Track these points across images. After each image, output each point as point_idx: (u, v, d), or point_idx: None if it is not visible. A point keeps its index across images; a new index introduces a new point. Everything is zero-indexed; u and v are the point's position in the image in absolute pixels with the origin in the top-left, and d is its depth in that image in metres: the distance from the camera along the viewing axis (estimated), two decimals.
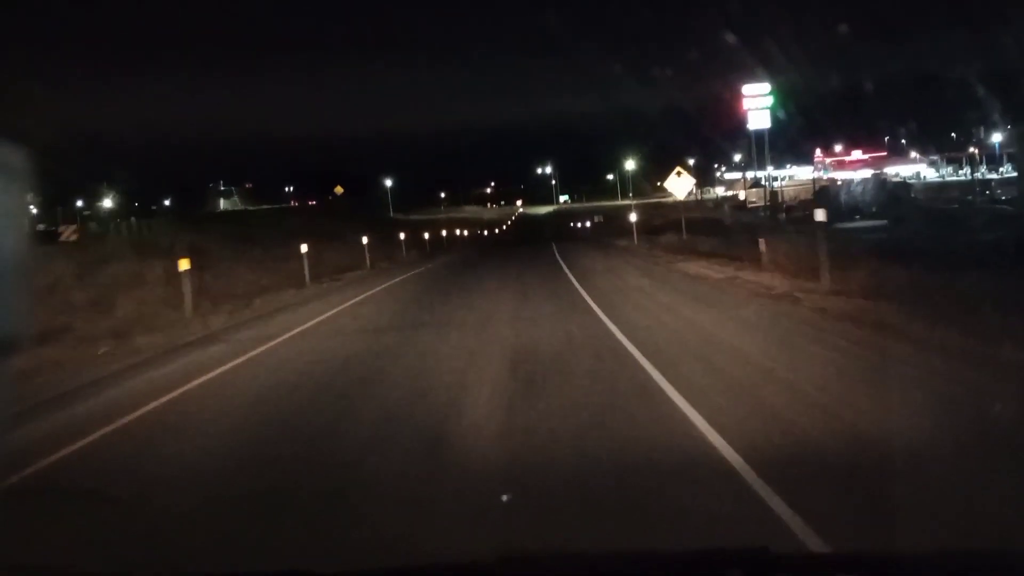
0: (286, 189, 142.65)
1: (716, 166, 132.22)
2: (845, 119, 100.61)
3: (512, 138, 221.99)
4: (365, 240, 27.29)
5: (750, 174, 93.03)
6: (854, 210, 36.36)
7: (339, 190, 48.70)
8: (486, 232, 67.51)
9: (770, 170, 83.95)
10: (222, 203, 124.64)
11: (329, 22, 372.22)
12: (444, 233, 44.38)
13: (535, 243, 38.70)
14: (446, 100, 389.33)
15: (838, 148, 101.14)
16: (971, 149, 75.07)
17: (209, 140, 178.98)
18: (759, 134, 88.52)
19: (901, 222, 27.92)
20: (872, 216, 35.61)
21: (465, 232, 50.73)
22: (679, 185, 27.01)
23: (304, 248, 21.49)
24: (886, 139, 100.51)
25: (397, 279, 21.94)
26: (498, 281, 17.86)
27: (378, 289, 18.91)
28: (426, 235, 38.91)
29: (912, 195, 40.53)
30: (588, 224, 65.37)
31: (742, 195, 65.24)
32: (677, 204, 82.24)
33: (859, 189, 37.96)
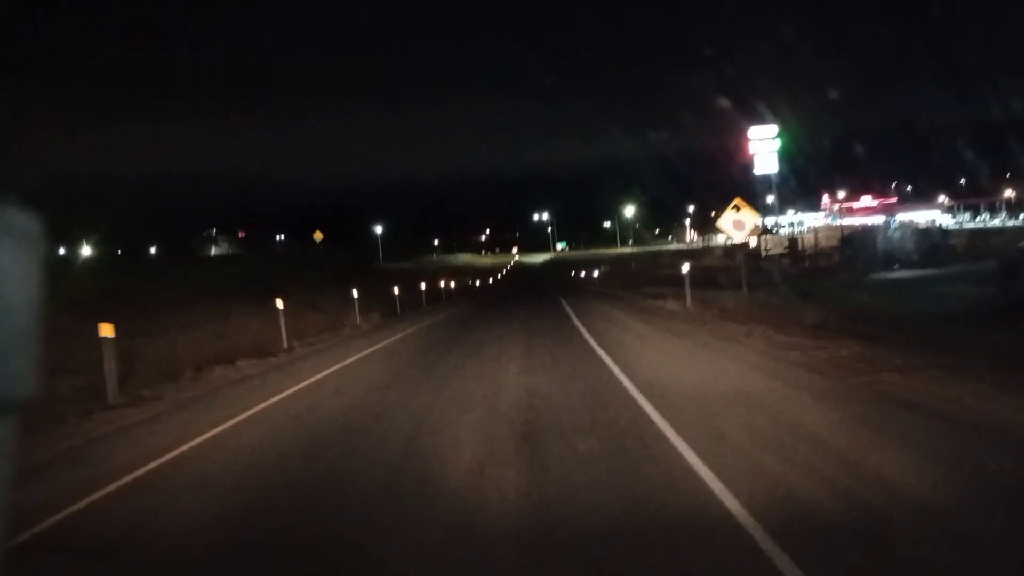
0: (277, 238, 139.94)
1: (712, 214, 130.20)
2: (849, 166, 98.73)
3: (508, 185, 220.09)
4: (356, 294, 23.72)
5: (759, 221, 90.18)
6: (891, 259, 32.89)
7: (319, 236, 44.53)
8: (478, 282, 61.20)
9: (778, 217, 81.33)
10: (213, 249, 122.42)
11: (323, 68, 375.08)
12: (435, 283, 41.00)
13: (539, 299, 33.27)
14: (441, 147, 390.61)
15: (841, 194, 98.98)
16: (1007, 192, 72.36)
17: (201, 188, 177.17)
18: (765, 179, 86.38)
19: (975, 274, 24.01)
20: (914, 265, 32.09)
21: (452, 283, 46.55)
22: (738, 224, 18.67)
23: (280, 304, 17.74)
24: (893, 185, 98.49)
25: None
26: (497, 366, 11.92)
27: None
28: (422, 285, 35.52)
29: (951, 242, 37.10)
30: (595, 273, 58.96)
31: (753, 242, 61.85)
32: (682, 252, 78.60)
33: (897, 235, 34.37)
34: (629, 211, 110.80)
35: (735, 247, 70.50)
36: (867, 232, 42.16)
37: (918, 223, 42.32)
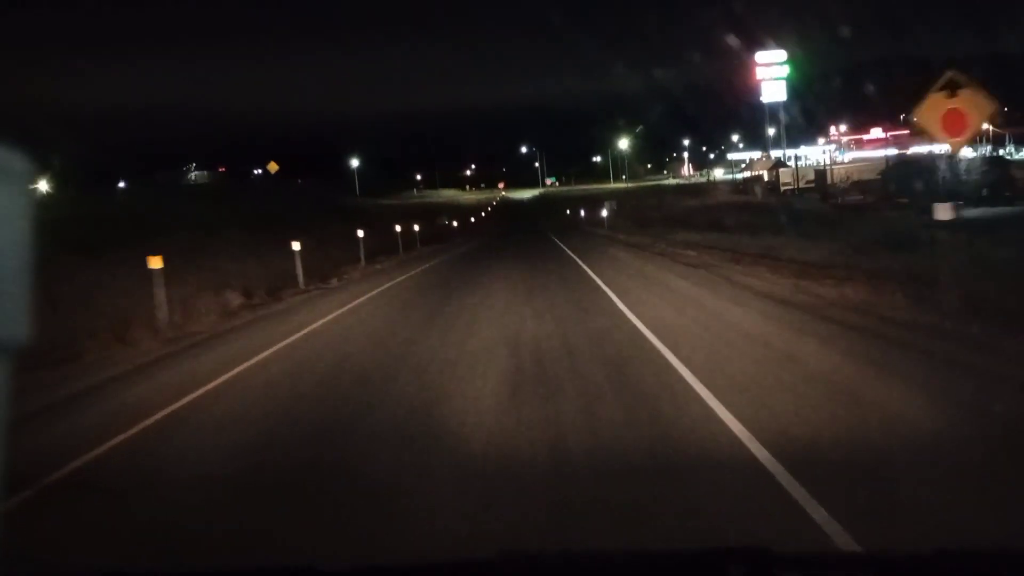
0: (255, 172, 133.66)
1: (707, 149, 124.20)
2: (856, 100, 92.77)
3: (496, 120, 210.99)
4: (297, 247, 17.87)
5: (760, 153, 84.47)
6: (954, 194, 27.49)
7: (273, 167, 37.91)
8: (458, 223, 50.38)
9: (786, 150, 75.52)
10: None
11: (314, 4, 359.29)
12: (409, 227, 35.37)
13: (535, 253, 23.71)
14: (426, 79, 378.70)
15: (843, 127, 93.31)
16: None
17: (183, 122, 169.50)
18: (773, 108, 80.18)
19: None
20: (982, 202, 26.87)
21: (446, 221, 40.24)
22: (954, 118, 8.54)
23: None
24: (902, 117, 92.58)
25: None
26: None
27: None
28: (397, 227, 29.42)
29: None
30: (604, 213, 40.34)
31: (765, 175, 56.38)
32: (685, 188, 72.84)
33: (962, 166, 28.88)
34: (623, 144, 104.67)
35: (750, 181, 64.85)
36: (916, 162, 36.53)
37: (983, 152, 36.64)
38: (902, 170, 35.16)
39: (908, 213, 27.89)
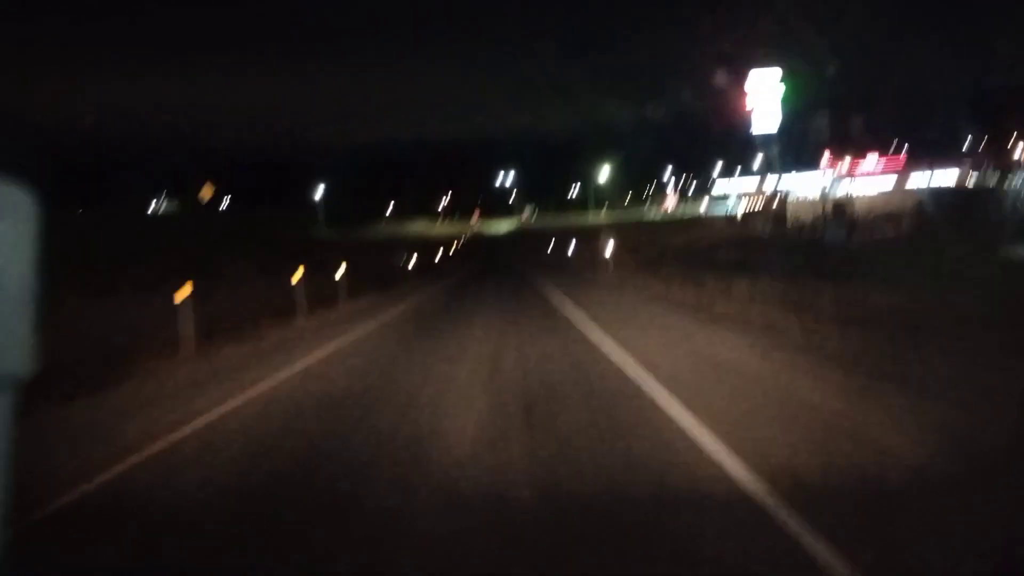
0: (224, 199, 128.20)
1: (692, 180, 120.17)
2: (846, 129, 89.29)
3: (471, 150, 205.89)
4: (181, 298, 12.09)
5: (749, 184, 79.94)
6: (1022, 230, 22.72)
7: (207, 193, 31.85)
8: (418, 262, 40.44)
9: (781, 176, 71.01)
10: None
11: (277, 20, 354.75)
12: (363, 263, 29.12)
13: (527, 338, 12.08)
14: (401, 108, 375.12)
15: (827, 155, 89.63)
16: None
17: (145, 147, 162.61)
18: (766, 136, 75.78)
19: None
20: None
21: (402, 262, 33.29)
22: None
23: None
24: (895, 144, 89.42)
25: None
26: None
27: None
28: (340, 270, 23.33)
29: None
30: (607, 253, 29.78)
31: (762, 206, 51.64)
32: (674, 223, 67.94)
33: None
34: (603, 176, 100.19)
35: (750, 214, 59.74)
36: (959, 193, 31.68)
37: None
38: (940, 203, 30.27)
39: (961, 250, 23.03)
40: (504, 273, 35.07)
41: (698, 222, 62.77)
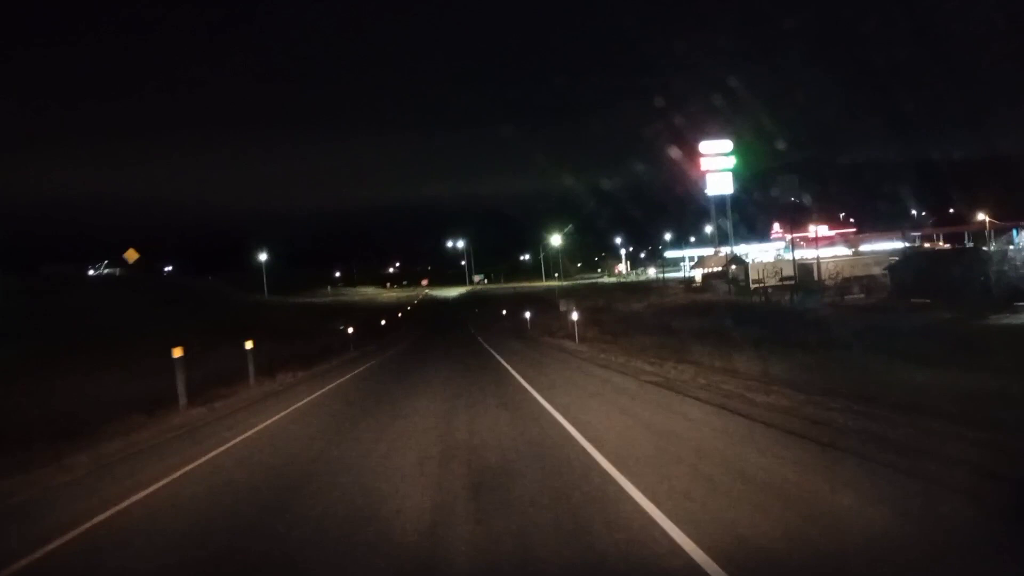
0: (165, 270, 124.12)
1: (644, 246, 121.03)
2: (791, 201, 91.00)
3: (420, 217, 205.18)
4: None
5: (704, 250, 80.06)
6: (1016, 291, 21.86)
7: (132, 256, 29.25)
8: (364, 328, 37.27)
9: (734, 246, 71.22)
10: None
11: (227, 94, 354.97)
12: (296, 334, 26.82)
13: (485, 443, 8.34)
14: (350, 175, 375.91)
15: (777, 227, 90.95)
16: (980, 217, 63.17)
17: (87, 214, 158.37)
18: (719, 201, 76.37)
19: None
20: None
21: (343, 327, 30.55)
22: None
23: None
24: (842, 215, 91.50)
25: None
26: None
27: None
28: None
29: None
30: (573, 317, 27.14)
31: (719, 271, 51.11)
32: (629, 285, 67.04)
33: (1018, 260, 23.21)
34: (556, 242, 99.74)
35: (710, 276, 58.62)
36: (932, 256, 31.14)
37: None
38: (915, 265, 29.48)
39: (940, 314, 22.06)
40: (457, 342, 31.74)
41: (652, 286, 61.96)
